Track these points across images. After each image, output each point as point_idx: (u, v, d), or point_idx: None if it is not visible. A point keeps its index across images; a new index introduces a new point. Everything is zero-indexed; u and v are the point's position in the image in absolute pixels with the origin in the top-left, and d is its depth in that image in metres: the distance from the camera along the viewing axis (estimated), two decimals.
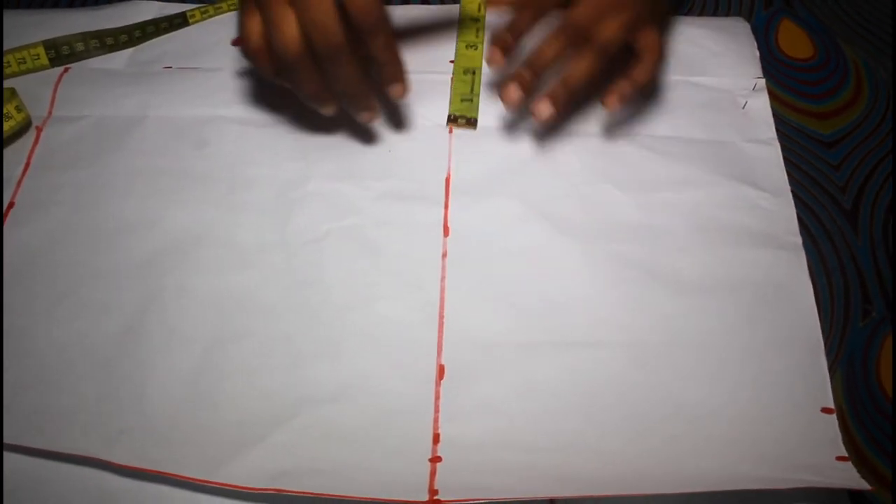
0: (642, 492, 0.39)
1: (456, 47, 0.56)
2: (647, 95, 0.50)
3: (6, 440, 0.41)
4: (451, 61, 0.55)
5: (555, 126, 0.51)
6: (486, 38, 0.56)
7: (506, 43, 0.48)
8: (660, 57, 0.48)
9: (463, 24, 0.57)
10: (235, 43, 0.52)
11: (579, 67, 0.46)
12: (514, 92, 0.46)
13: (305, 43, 0.42)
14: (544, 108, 0.46)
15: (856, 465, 0.40)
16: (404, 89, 0.47)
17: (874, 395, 0.42)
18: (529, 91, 0.47)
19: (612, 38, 0.45)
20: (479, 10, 0.57)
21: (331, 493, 0.39)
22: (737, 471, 0.40)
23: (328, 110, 0.47)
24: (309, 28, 0.41)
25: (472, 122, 0.52)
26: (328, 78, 0.44)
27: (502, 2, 0.51)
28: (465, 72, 0.54)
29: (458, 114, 0.52)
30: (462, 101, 0.53)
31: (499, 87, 0.46)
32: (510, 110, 0.47)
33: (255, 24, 0.43)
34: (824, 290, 0.46)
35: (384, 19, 0.43)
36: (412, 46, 0.56)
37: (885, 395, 0.42)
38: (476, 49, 0.55)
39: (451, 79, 0.54)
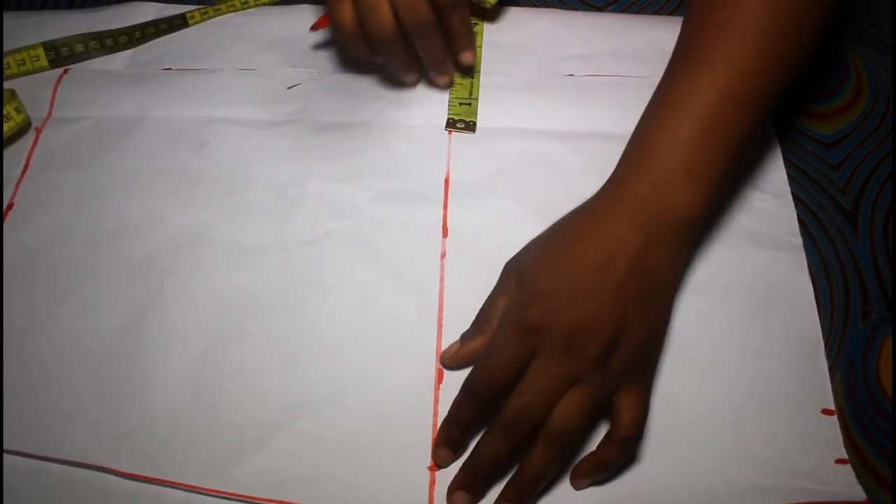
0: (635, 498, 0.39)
1: None
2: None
3: (6, 445, 0.41)
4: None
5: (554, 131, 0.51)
6: (485, 39, 0.56)
7: (450, 438, 0.41)
8: (636, 426, 0.39)
9: None
10: (315, 27, 0.54)
11: (532, 463, 0.38)
12: (461, 499, 0.39)
13: (398, 23, 0.47)
14: None
15: (856, 466, 0.40)
16: (473, 56, 0.53)
17: (874, 395, 0.42)
18: (478, 495, 0.40)
19: (565, 423, 0.38)
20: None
21: None
22: (735, 475, 0.40)
23: (413, 79, 0.53)
24: (401, 10, 0.47)
25: (470, 126, 0.52)
26: (417, 51, 0.50)
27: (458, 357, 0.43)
28: (464, 75, 0.54)
29: (456, 118, 0.52)
30: (461, 104, 0.53)
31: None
32: None
33: (347, 11, 0.48)
34: (824, 291, 0.46)
35: None
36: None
37: (885, 395, 0.42)
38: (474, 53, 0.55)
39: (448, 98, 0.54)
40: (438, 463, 0.40)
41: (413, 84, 0.54)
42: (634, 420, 0.39)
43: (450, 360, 0.43)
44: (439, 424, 0.41)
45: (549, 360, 0.38)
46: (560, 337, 0.38)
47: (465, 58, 0.52)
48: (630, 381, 0.39)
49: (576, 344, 0.37)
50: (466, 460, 0.40)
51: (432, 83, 0.54)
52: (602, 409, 0.39)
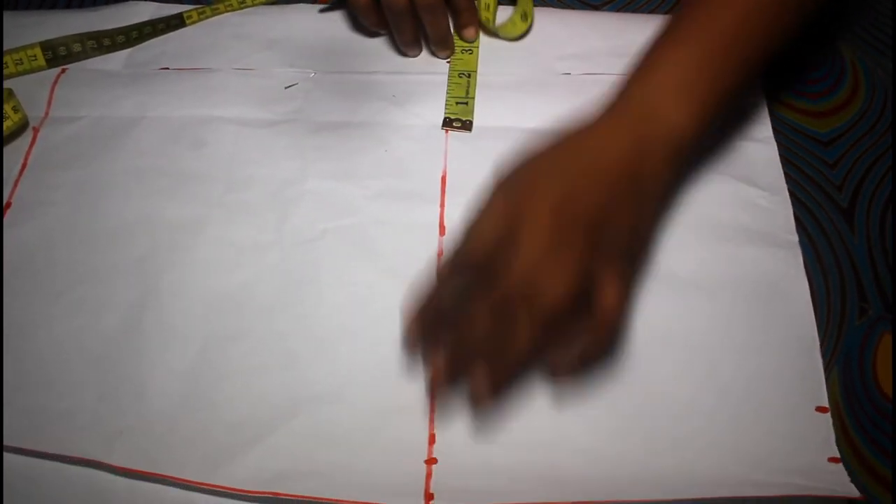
0: (633, 498, 0.39)
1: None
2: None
3: (5, 441, 0.41)
4: (448, 61, 0.55)
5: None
6: (482, 38, 0.56)
7: (426, 318, 0.41)
8: (614, 315, 0.38)
9: None
10: (323, 1, 0.57)
11: (518, 340, 0.37)
12: (443, 378, 0.40)
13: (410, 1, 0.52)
14: (480, 392, 0.40)
15: (852, 464, 0.40)
16: (476, 32, 0.56)
17: (871, 393, 0.42)
18: (459, 374, 0.40)
19: (552, 304, 0.36)
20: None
21: (327, 498, 0.39)
22: (728, 473, 0.40)
23: (416, 52, 0.56)
24: None
25: (467, 125, 0.52)
26: (424, 26, 0.54)
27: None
28: (461, 74, 0.54)
29: (453, 117, 0.52)
30: (457, 103, 0.53)
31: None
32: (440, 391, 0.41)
33: None
34: (820, 289, 0.46)
35: None
36: None
37: (882, 393, 0.42)
38: (471, 53, 0.56)
39: (447, 81, 0.54)
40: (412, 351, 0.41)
41: (415, 56, 0.56)
42: (615, 304, 0.37)
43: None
44: (436, 419, 0.41)
45: (538, 233, 0.37)
46: (547, 208, 0.37)
47: (468, 33, 0.56)
48: (611, 263, 0.38)
49: (564, 215, 0.37)
50: (452, 339, 0.40)
51: (434, 55, 0.56)
52: (585, 287, 0.37)
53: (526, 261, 0.36)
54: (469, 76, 0.54)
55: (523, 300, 0.37)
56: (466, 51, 0.56)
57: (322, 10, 0.57)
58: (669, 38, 0.44)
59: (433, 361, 0.41)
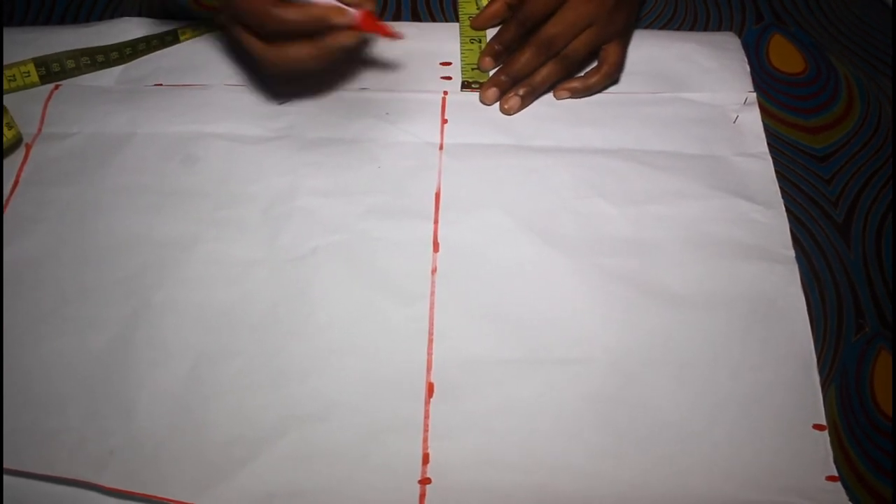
0: None
1: (459, 19, 0.59)
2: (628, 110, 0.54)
3: None
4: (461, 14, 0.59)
5: (547, 144, 0.52)
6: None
7: (494, 51, 0.55)
8: (616, 69, 0.54)
9: None
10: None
11: (546, 74, 0.54)
12: (493, 94, 0.54)
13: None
14: (513, 104, 0.53)
15: (851, 482, 0.40)
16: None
17: (868, 410, 0.42)
18: (504, 92, 0.54)
19: (577, 54, 0.53)
20: None
21: None
22: (724, 491, 0.40)
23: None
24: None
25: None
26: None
27: (488, 21, 0.58)
28: (472, 40, 0.57)
29: (471, 80, 0.55)
30: (472, 69, 0.56)
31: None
32: (486, 104, 0.54)
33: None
34: (817, 304, 0.45)
35: None
36: (402, 64, 0.56)
37: (879, 410, 0.42)
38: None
39: (460, 48, 0.57)
40: (483, 66, 0.56)
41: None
42: (618, 62, 0.54)
43: (479, 22, 0.58)
44: (430, 438, 0.41)
45: (578, 3, 0.52)
46: None
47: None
48: (622, 33, 0.54)
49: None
50: (501, 68, 0.55)
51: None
52: (599, 46, 0.54)
53: (568, 24, 0.52)
54: (480, 42, 0.57)
55: (556, 50, 0.53)
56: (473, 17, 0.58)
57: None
58: None
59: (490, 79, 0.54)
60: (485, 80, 0.55)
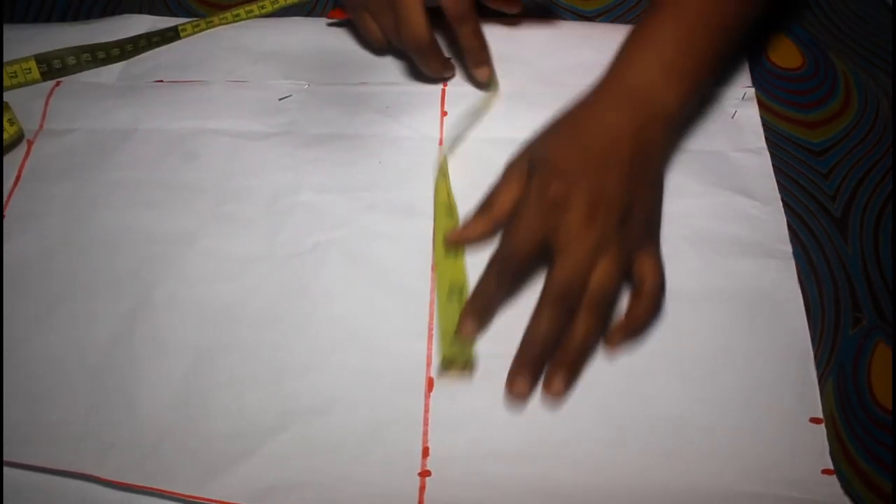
0: None
1: (434, 254, 0.47)
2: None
3: None
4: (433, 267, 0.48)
5: None
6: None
7: (478, 311, 0.44)
8: (657, 286, 0.43)
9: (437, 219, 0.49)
10: (332, 16, 0.58)
11: (579, 331, 0.42)
12: (522, 385, 0.42)
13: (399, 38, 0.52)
14: (558, 387, 0.42)
15: (849, 476, 0.40)
16: (489, 72, 0.54)
17: (866, 403, 0.42)
18: (536, 375, 0.42)
19: (604, 288, 0.41)
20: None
21: None
22: (721, 484, 0.40)
23: (452, 72, 0.55)
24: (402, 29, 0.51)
25: (469, 366, 0.43)
26: (459, 38, 0.52)
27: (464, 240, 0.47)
28: (451, 292, 0.45)
29: (454, 357, 0.43)
30: (452, 345, 0.44)
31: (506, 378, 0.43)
32: (520, 401, 0.42)
33: (372, 24, 0.53)
34: (814, 299, 0.46)
35: (470, 11, 0.50)
36: (401, 57, 0.56)
37: (877, 403, 0.42)
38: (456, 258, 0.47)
39: (435, 302, 0.46)
40: (464, 333, 0.43)
41: (451, 77, 0.55)
42: (657, 273, 0.43)
43: (455, 237, 0.47)
44: (430, 431, 0.41)
45: (578, 232, 0.42)
46: (583, 207, 0.42)
47: (481, 73, 0.53)
48: (645, 243, 0.44)
49: (599, 212, 0.42)
50: (521, 343, 0.42)
51: (470, 75, 0.54)
52: (627, 272, 0.43)
53: (576, 262, 0.41)
54: (461, 292, 0.45)
55: (578, 296, 0.42)
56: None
57: (330, 24, 0.57)
58: (652, 17, 0.48)
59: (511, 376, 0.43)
60: (471, 356, 0.43)
